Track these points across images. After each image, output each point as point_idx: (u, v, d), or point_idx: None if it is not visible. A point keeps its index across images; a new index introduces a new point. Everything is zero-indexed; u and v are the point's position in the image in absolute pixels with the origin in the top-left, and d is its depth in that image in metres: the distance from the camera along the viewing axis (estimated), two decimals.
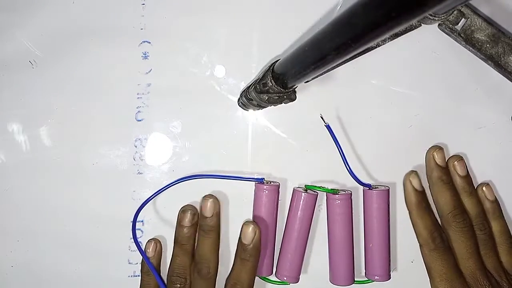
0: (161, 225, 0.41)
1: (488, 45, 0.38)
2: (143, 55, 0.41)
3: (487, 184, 0.40)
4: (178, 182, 0.41)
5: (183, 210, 0.39)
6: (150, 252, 0.40)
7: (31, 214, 0.41)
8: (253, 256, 0.37)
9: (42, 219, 0.41)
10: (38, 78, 0.41)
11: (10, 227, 0.41)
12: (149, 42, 0.41)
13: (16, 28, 0.41)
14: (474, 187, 0.40)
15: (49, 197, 0.41)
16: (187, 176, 0.41)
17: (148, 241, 0.40)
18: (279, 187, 0.40)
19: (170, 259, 0.40)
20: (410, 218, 0.39)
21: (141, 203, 0.40)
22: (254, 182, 0.40)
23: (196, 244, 0.39)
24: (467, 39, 0.39)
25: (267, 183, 0.39)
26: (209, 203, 0.38)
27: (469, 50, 0.39)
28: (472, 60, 0.40)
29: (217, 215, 0.39)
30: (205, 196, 0.39)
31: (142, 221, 0.41)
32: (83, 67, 0.41)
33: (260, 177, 0.40)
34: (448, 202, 0.38)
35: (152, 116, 0.41)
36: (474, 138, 0.41)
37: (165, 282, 0.40)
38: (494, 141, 0.41)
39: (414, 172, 0.39)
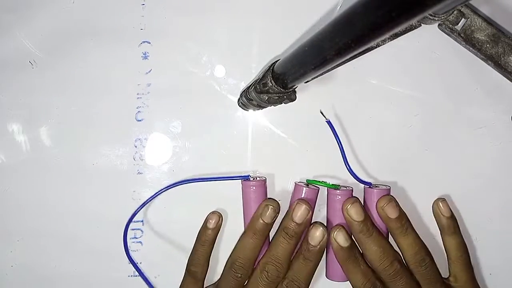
0: (161, 225, 0.41)
1: (488, 45, 0.38)
2: (143, 55, 0.41)
3: (443, 200, 0.40)
4: (161, 192, 0.41)
5: (266, 205, 0.37)
6: (212, 224, 0.39)
7: (31, 214, 0.41)
8: (316, 258, 0.37)
9: (42, 219, 0.41)
10: (38, 78, 0.41)
11: (10, 227, 0.41)
12: (149, 42, 0.41)
13: (16, 28, 0.41)
14: (407, 225, 0.38)
15: (49, 197, 0.41)
16: (172, 184, 0.41)
17: (212, 212, 0.40)
18: (265, 182, 0.40)
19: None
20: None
21: (126, 223, 0.41)
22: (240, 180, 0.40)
23: (271, 242, 0.38)
24: (467, 39, 0.39)
25: (253, 179, 0.39)
26: (303, 209, 0.37)
27: (469, 50, 0.39)
28: (472, 60, 0.40)
29: (306, 224, 0.37)
30: (299, 201, 0.38)
31: (142, 221, 0.41)
32: (83, 67, 0.41)
33: (245, 174, 0.40)
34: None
35: (152, 116, 0.41)
36: (474, 138, 0.41)
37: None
38: (494, 141, 0.41)
39: (338, 228, 0.37)
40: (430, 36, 0.41)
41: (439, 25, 0.39)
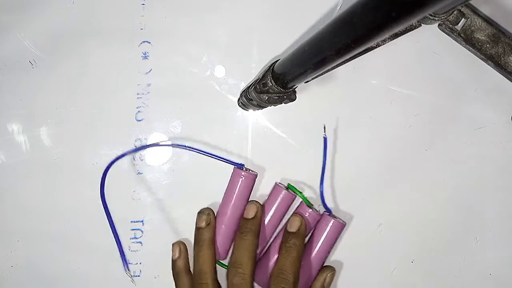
0: (161, 225, 0.41)
1: (488, 45, 0.38)
2: (143, 55, 0.41)
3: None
4: (157, 145, 0.41)
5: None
6: (177, 254, 0.39)
7: (31, 214, 0.41)
8: (297, 244, 0.37)
9: (42, 219, 0.41)
10: (38, 78, 0.41)
11: (10, 227, 0.41)
12: (149, 42, 0.41)
13: (16, 28, 0.41)
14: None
15: (49, 197, 0.41)
16: (171, 143, 0.41)
17: (173, 245, 0.40)
18: (255, 178, 0.40)
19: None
20: None
21: (112, 160, 0.40)
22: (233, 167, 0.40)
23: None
24: (467, 39, 0.39)
25: (246, 170, 0.39)
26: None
27: (469, 50, 0.39)
28: (472, 60, 0.40)
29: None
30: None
31: (142, 221, 0.41)
32: (83, 67, 0.41)
33: (241, 162, 0.40)
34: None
35: (152, 116, 0.41)
36: (474, 138, 0.41)
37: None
38: (494, 141, 0.41)
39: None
40: (430, 36, 0.41)
41: (439, 25, 0.39)
